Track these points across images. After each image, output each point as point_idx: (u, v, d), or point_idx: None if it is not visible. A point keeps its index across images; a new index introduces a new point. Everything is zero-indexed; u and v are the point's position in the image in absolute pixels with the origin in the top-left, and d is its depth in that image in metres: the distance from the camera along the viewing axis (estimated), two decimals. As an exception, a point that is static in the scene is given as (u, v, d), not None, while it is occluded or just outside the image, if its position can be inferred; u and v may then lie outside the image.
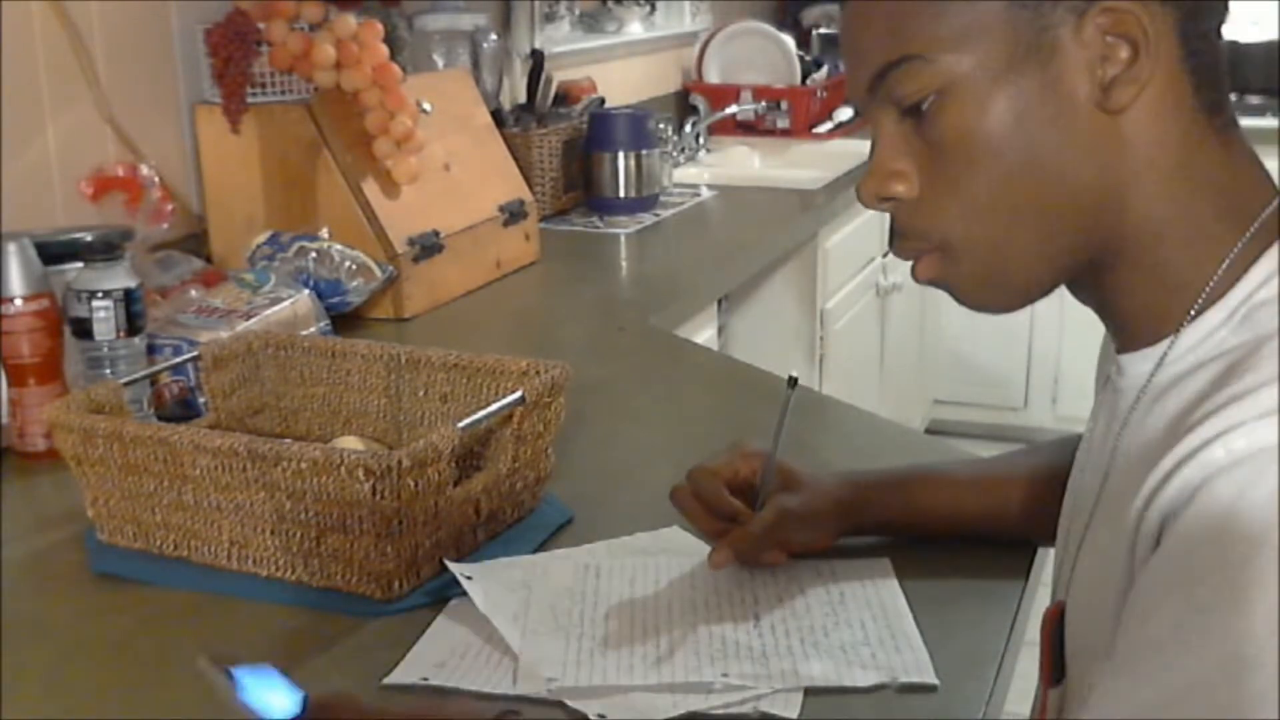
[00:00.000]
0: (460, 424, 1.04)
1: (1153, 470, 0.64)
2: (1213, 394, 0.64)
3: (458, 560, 1.04)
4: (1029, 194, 0.70)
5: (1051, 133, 0.70)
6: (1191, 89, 0.70)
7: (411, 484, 0.99)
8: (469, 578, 0.99)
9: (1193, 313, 0.70)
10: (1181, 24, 0.70)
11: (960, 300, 0.76)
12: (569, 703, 0.87)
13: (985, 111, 0.70)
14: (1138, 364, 0.73)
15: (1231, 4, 0.74)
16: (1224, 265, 0.70)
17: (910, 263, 0.76)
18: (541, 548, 1.12)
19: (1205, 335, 0.70)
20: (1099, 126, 0.70)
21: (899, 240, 0.76)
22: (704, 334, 2.11)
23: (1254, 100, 3.74)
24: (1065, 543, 0.82)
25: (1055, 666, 0.78)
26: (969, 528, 1.06)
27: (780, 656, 0.92)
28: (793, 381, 0.99)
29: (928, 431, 3.73)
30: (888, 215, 0.76)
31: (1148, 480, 0.64)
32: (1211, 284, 0.70)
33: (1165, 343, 0.71)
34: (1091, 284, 0.75)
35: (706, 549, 1.03)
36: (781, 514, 1.01)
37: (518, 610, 0.98)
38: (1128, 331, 0.75)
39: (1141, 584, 0.63)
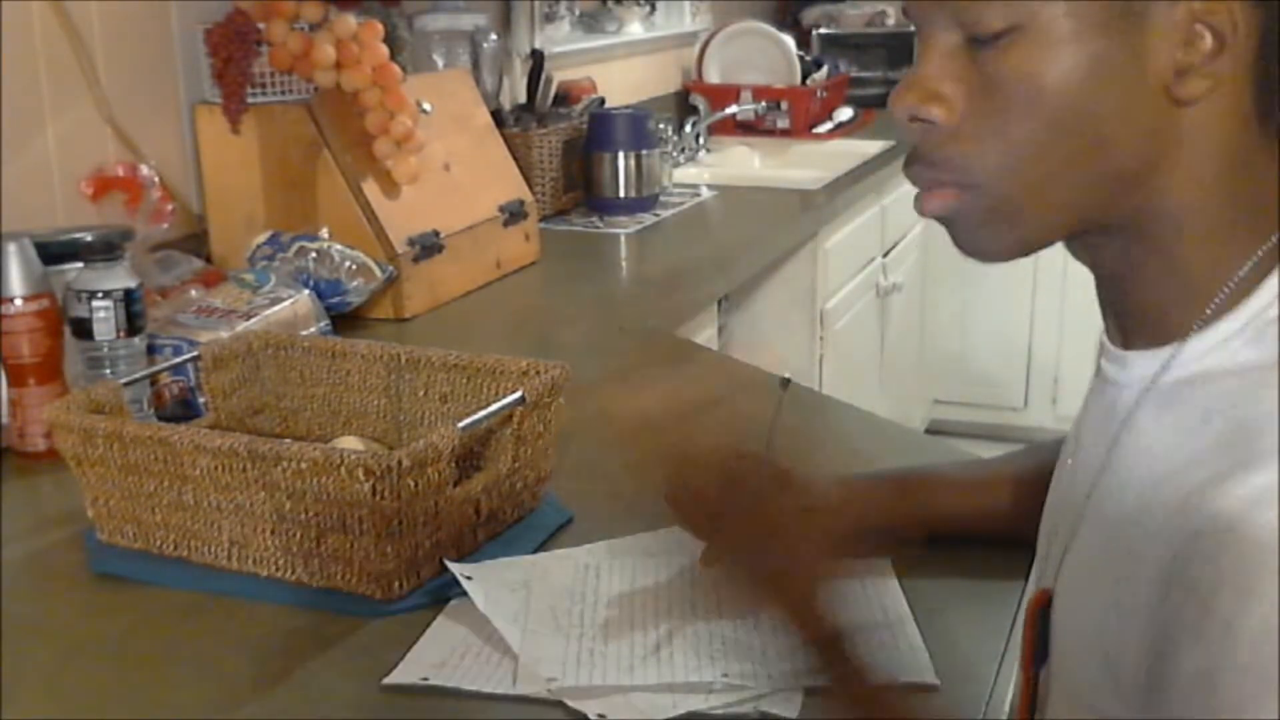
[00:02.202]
0: (460, 424, 1.04)
1: (1167, 507, 0.64)
2: (1229, 447, 0.63)
3: (458, 560, 1.04)
4: (1072, 154, 0.68)
5: (1114, 101, 0.67)
6: (1253, 93, 0.69)
7: (411, 484, 0.99)
8: (469, 578, 0.99)
9: (1209, 312, 0.69)
10: (1264, 27, 0.67)
11: (959, 240, 0.73)
12: (569, 703, 0.87)
13: (1058, 61, 0.67)
14: (1143, 363, 0.72)
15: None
16: (1242, 271, 0.68)
17: (917, 190, 0.73)
18: (541, 548, 1.12)
19: (1218, 343, 0.68)
20: (1160, 110, 0.67)
21: (918, 165, 0.73)
22: (704, 334, 2.11)
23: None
24: (1052, 532, 0.81)
25: (1038, 653, 0.78)
26: (964, 530, 1.06)
27: (780, 656, 0.92)
28: (784, 383, 0.98)
29: (928, 431, 3.73)
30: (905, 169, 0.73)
31: (1165, 520, 0.64)
32: (1228, 289, 0.68)
33: (1174, 345, 0.70)
34: (1107, 260, 0.73)
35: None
36: None
37: (517, 610, 0.98)
38: (1134, 325, 0.73)
39: (1159, 630, 0.63)
